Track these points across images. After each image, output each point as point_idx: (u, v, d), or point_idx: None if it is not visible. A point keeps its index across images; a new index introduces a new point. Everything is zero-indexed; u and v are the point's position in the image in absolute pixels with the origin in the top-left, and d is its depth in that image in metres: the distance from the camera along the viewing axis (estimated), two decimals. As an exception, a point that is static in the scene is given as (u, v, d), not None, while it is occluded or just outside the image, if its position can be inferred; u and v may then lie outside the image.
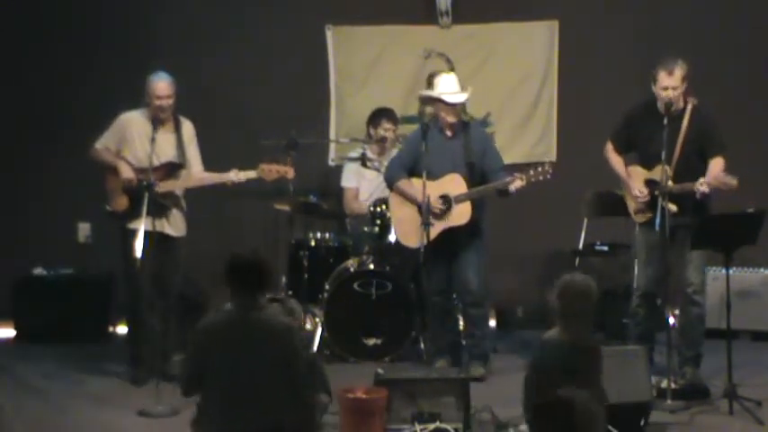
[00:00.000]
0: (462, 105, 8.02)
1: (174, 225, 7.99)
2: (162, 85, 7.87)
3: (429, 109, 9.08)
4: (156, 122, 7.82)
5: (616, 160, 7.78)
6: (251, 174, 7.99)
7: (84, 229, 9.70)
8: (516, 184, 7.72)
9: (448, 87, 7.94)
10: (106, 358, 8.45)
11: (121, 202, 7.92)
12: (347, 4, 9.70)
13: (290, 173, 8.11)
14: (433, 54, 9.67)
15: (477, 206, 7.92)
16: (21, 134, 9.61)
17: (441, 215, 7.84)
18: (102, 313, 9.20)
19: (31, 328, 9.14)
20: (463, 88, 7.98)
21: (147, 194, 7.59)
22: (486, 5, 9.63)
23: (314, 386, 5.61)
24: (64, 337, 8.98)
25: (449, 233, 7.84)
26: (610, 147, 7.80)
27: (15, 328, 9.24)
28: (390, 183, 8.07)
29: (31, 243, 9.56)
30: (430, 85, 9.01)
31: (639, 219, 7.69)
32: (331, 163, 9.72)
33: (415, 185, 7.86)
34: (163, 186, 7.83)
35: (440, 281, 7.98)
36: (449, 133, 7.96)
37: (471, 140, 7.94)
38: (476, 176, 7.89)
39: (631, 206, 7.75)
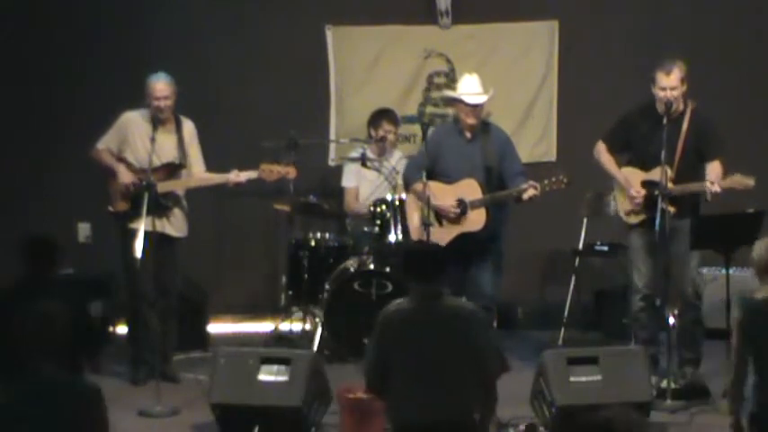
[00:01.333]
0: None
1: (175, 225, 7.98)
2: (160, 85, 7.86)
3: (429, 109, 9.10)
4: (156, 122, 7.82)
5: (609, 159, 7.76)
6: (252, 174, 7.99)
7: (84, 229, 9.69)
8: (530, 193, 7.70)
9: (469, 88, 7.90)
10: (106, 358, 8.44)
11: (123, 203, 7.92)
12: (347, 4, 9.70)
13: (291, 173, 8.10)
14: (433, 54, 9.68)
15: (497, 211, 7.89)
16: (21, 134, 9.61)
17: (455, 220, 7.83)
18: (102, 313, 9.18)
19: (31, 328, 9.12)
20: (486, 89, 7.95)
21: (147, 195, 7.61)
22: (486, 5, 9.62)
23: (496, 375, 5.53)
24: (64, 337, 8.95)
25: (463, 238, 7.81)
26: (602, 147, 7.77)
27: (15, 328, 9.22)
28: (407, 184, 8.06)
29: (31, 243, 9.54)
30: (431, 84, 9.01)
31: (632, 220, 7.67)
32: (331, 163, 9.72)
33: (431, 188, 7.86)
34: (163, 186, 7.83)
35: (449, 285, 7.94)
36: (468, 135, 7.93)
37: (490, 143, 7.91)
38: (494, 180, 7.86)
39: (623, 207, 7.73)
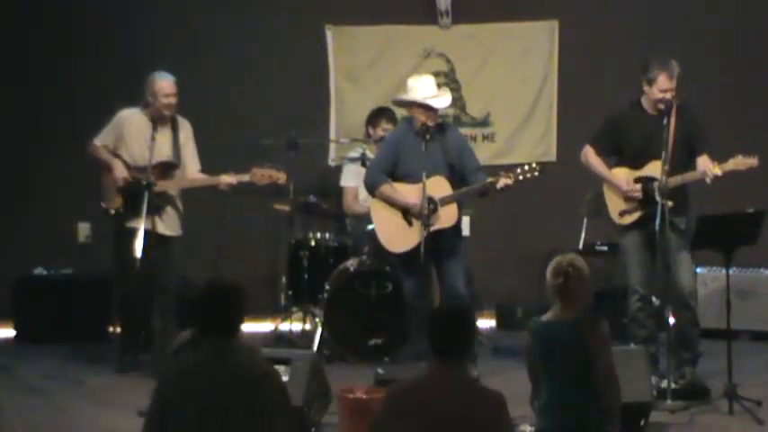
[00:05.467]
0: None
1: (168, 224, 7.98)
2: (167, 83, 7.92)
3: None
4: (157, 121, 7.86)
5: (598, 161, 7.74)
6: (243, 177, 7.97)
7: (84, 229, 9.70)
8: (503, 182, 7.66)
9: (429, 91, 7.80)
10: (106, 358, 8.46)
11: (117, 200, 7.97)
12: (347, 4, 9.71)
13: (282, 178, 8.03)
14: (433, 54, 9.69)
15: (460, 207, 7.88)
16: (21, 134, 9.62)
17: (427, 218, 7.76)
18: (102, 313, 9.19)
19: (31, 328, 9.14)
20: (439, 87, 7.91)
21: (147, 194, 7.66)
22: (486, 5, 9.63)
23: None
24: (64, 337, 8.98)
25: (433, 236, 7.67)
26: (590, 150, 7.74)
27: (15, 328, 9.25)
28: (372, 188, 7.94)
29: (31, 243, 9.56)
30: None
31: (626, 220, 7.66)
32: (331, 163, 9.73)
33: (398, 190, 7.83)
34: (158, 186, 7.86)
35: (421, 285, 7.90)
36: (426, 135, 7.86)
37: (448, 141, 7.85)
38: (455, 177, 7.82)
39: (615, 208, 7.71)
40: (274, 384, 4.88)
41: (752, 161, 7.32)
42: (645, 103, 7.56)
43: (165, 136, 7.96)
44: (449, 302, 4.81)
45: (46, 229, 9.55)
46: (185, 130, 8.06)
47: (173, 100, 7.91)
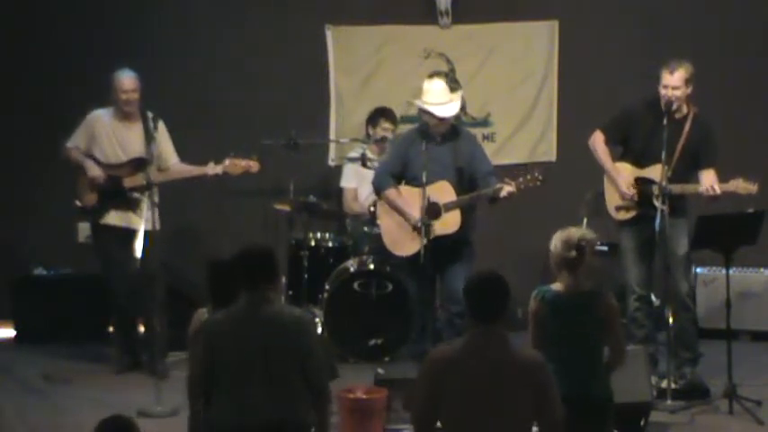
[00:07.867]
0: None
1: (143, 218, 7.96)
2: (125, 79, 8.09)
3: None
4: (125, 118, 8.05)
5: (604, 151, 7.75)
6: (217, 168, 8.10)
7: (84, 229, 9.64)
8: (507, 190, 7.60)
9: (437, 97, 7.73)
10: (106, 358, 8.46)
11: (91, 198, 8.13)
12: (347, 4, 9.71)
13: (254, 167, 8.15)
14: (433, 54, 9.68)
15: (467, 213, 7.79)
16: (21, 134, 9.62)
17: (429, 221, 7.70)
18: (102, 313, 9.19)
19: (31, 328, 9.15)
20: (452, 90, 7.85)
21: (148, 193, 7.76)
22: (486, 5, 9.63)
23: (325, 378, 5.46)
24: (64, 337, 8.98)
25: (436, 242, 7.61)
26: (600, 137, 7.76)
27: (15, 328, 9.25)
28: (378, 191, 7.92)
29: (31, 243, 9.56)
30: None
31: (621, 216, 7.68)
32: (331, 163, 9.73)
33: (404, 195, 7.81)
34: (131, 182, 8.00)
35: (424, 290, 7.87)
36: (438, 139, 7.84)
37: (460, 144, 7.81)
38: (465, 181, 7.77)
39: (612, 202, 7.72)
40: (309, 327, 5.47)
41: (752, 188, 7.33)
42: (662, 103, 7.55)
43: (135, 133, 8.07)
44: (481, 270, 5.05)
45: (46, 229, 9.55)
46: (159, 125, 8.09)
47: (132, 96, 8.06)
